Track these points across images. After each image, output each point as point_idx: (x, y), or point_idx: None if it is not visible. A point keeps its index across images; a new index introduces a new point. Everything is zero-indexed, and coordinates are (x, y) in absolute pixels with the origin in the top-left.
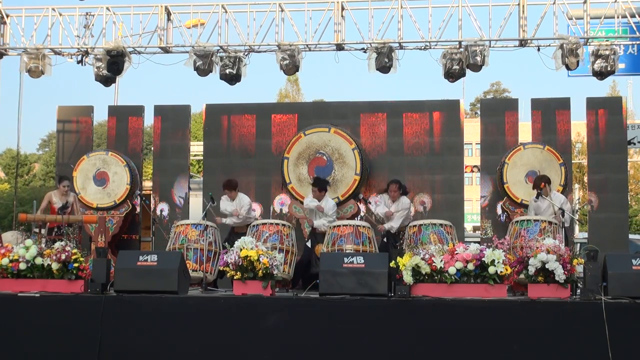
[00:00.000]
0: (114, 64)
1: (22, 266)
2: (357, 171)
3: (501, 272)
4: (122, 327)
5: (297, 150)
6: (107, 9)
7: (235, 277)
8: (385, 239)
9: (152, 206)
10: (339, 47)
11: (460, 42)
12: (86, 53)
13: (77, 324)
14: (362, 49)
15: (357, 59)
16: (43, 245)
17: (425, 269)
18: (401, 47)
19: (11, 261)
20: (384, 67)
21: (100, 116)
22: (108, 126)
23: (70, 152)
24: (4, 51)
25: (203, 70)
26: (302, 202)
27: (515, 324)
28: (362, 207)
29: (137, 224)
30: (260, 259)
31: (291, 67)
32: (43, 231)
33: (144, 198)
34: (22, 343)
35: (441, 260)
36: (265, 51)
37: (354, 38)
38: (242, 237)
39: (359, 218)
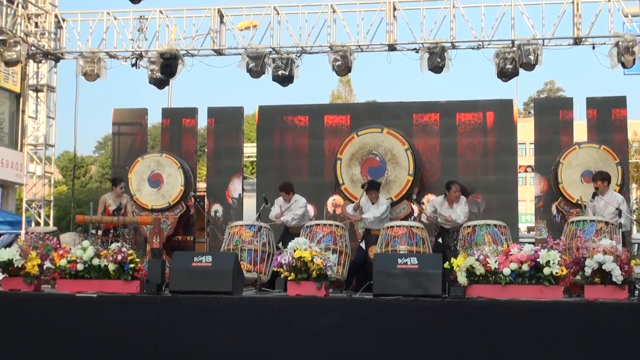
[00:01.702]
0: (167, 67)
1: (80, 267)
2: (410, 172)
3: (556, 273)
4: (177, 328)
5: (349, 151)
6: (161, 12)
7: (289, 278)
8: (439, 240)
9: (206, 207)
10: (391, 48)
11: (513, 41)
12: (140, 56)
13: (133, 324)
14: (414, 49)
15: (409, 59)
16: (100, 247)
17: (479, 269)
18: (453, 47)
19: (69, 262)
20: (437, 67)
21: (155, 118)
22: (162, 128)
23: (125, 154)
24: (61, 55)
25: (256, 72)
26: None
27: (571, 326)
28: (415, 207)
29: (192, 225)
30: (314, 260)
31: (343, 68)
32: (99, 233)
33: (198, 199)
34: (79, 343)
35: (495, 261)
36: (317, 52)
37: (406, 38)
38: (295, 238)
39: (412, 219)
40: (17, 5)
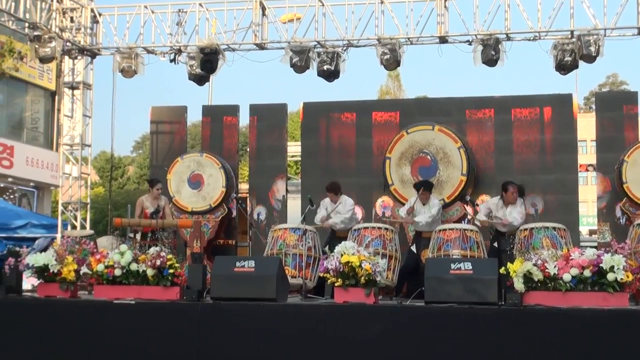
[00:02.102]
0: (207, 62)
1: (117, 272)
2: (464, 171)
3: (622, 279)
4: (218, 336)
5: (399, 149)
6: (200, 5)
7: (336, 284)
8: (495, 244)
9: (248, 210)
10: (443, 40)
11: (572, 32)
12: (179, 51)
13: (173, 332)
14: (467, 41)
15: (461, 52)
16: (138, 251)
17: (537, 275)
18: (508, 39)
19: (106, 267)
20: (491, 60)
21: (194, 116)
22: (202, 127)
23: (164, 154)
24: (97, 51)
25: (300, 67)
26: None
27: (638, 336)
28: (468, 209)
29: (234, 228)
30: (363, 265)
31: (392, 62)
32: (137, 236)
33: (240, 201)
34: (116, 352)
35: (555, 267)
36: (364, 46)
37: (458, 30)
38: (343, 242)
39: (465, 221)
40: (52, 0)
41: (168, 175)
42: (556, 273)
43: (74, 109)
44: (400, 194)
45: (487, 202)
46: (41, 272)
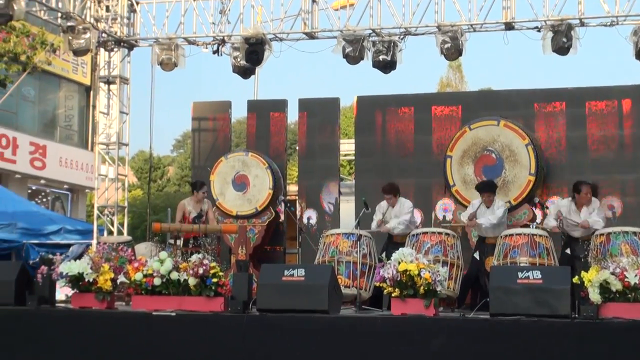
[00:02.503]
0: (253, 53)
1: (157, 281)
2: (532, 171)
3: None
4: (265, 350)
5: (461, 147)
6: None
7: (393, 295)
8: (567, 250)
9: (297, 213)
10: (509, 27)
11: None
12: (222, 42)
13: (217, 345)
14: (536, 27)
15: (529, 39)
16: (179, 259)
17: (615, 285)
18: (582, 24)
19: (145, 276)
20: (562, 47)
21: (239, 112)
22: (248, 123)
23: (206, 153)
24: (135, 42)
25: (353, 58)
26: (465, 207)
27: None
28: (538, 212)
29: (282, 233)
30: (422, 274)
31: (453, 52)
32: (178, 242)
33: (288, 204)
34: None
35: (635, 276)
36: (423, 34)
37: (525, 15)
38: (400, 249)
39: (534, 226)
40: None
41: (211, 177)
42: (637, 283)
43: (110, 105)
44: (463, 196)
45: (557, 204)
46: (75, 281)
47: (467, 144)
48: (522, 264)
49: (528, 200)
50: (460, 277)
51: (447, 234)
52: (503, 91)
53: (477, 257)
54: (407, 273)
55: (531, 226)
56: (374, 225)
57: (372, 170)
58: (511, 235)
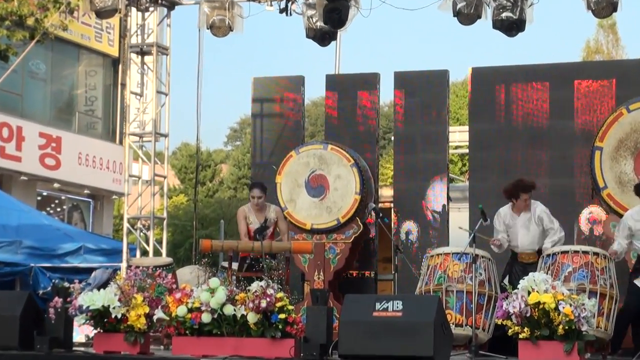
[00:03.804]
0: (333, 12)
1: (206, 318)
2: None
3: None
4: None
5: (615, 135)
6: None
7: (521, 336)
8: None
9: (393, 226)
10: None
11: None
12: None
13: None
14: None
15: None
16: (235, 287)
17: None
18: None
19: (190, 310)
20: None
21: (315, 91)
22: (326, 106)
23: (271, 146)
24: (177, 0)
25: (467, 16)
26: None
27: None
28: None
29: (372, 253)
30: (560, 308)
31: (605, 6)
32: (235, 266)
33: (381, 214)
34: None
35: None
36: None
37: None
38: (530, 273)
39: None
40: None
41: (277, 178)
42: None
43: (144, 82)
44: (617, 201)
45: None
46: (99, 317)
47: (624, 131)
48: None
49: None
50: (614, 311)
51: (595, 253)
52: None
53: (639, 285)
54: (541, 307)
55: None
56: (495, 241)
57: (492, 168)
58: None
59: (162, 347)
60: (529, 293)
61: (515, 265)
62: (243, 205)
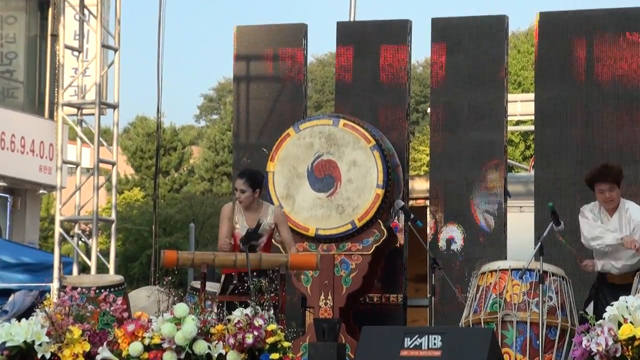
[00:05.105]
0: None
1: (169, 358)
2: None
3: None
4: None
5: None
6: None
7: None
8: None
9: (429, 232)
10: None
11: None
12: None
13: None
14: None
15: None
16: (210, 317)
17: None
18: None
19: (148, 349)
20: None
21: (321, 46)
22: (338, 65)
23: (261, 121)
24: None
25: None
26: None
27: None
28: None
29: (400, 270)
30: None
31: None
32: (211, 286)
33: (412, 216)
34: None
35: None
36: None
37: None
38: (621, 297)
39: None
40: None
41: (270, 165)
42: None
43: (84, 33)
44: None
45: None
46: (20, 358)
47: None
48: None
49: None
50: None
51: None
52: None
53: None
54: (637, 343)
55: None
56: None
57: (567, 151)
58: None
59: None
60: (620, 325)
61: (603, 288)
62: (230, 202)
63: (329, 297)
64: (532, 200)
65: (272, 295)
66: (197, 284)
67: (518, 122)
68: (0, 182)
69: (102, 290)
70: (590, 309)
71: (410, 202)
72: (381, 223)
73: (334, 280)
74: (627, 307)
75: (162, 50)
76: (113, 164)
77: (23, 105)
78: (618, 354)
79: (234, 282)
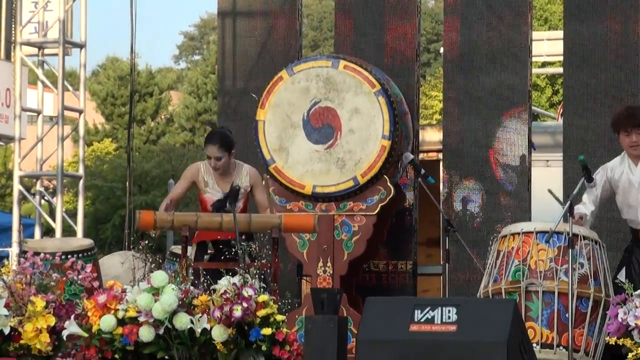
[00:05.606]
0: None
1: (147, 334)
2: None
3: None
4: None
5: None
6: None
7: None
8: None
9: (442, 189)
10: None
11: None
12: None
13: None
14: None
15: None
16: (191, 286)
17: None
18: None
19: (122, 323)
20: None
21: None
22: (337, 2)
23: (250, 62)
24: None
25: None
26: None
27: None
28: None
29: (409, 232)
30: None
31: None
32: (191, 251)
33: (423, 171)
34: None
35: None
36: None
37: None
38: None
39: None
40: None
41: (260, 113)
42: None
43: None
44: None
45: None
46: None
47: None
48: None
49: None
50: None
51: None
52: None
53: None
54: None
55: None
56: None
57: (602, 97)
58: None
59: None
60: None
61: (638, 252)
62: (198, 162)
63: (328, 264)
64: (560, 152)
65: (263, 262)
66: (177, 249)
67: (544, 64)
68: None
69: (69, 256)
70: (622, 275)
71: (421, 156)
72: (387, 179)
73: (333, 244)
74: None
75: None
76: (80, 111)
77: None
78: None
79: (209, 251)
